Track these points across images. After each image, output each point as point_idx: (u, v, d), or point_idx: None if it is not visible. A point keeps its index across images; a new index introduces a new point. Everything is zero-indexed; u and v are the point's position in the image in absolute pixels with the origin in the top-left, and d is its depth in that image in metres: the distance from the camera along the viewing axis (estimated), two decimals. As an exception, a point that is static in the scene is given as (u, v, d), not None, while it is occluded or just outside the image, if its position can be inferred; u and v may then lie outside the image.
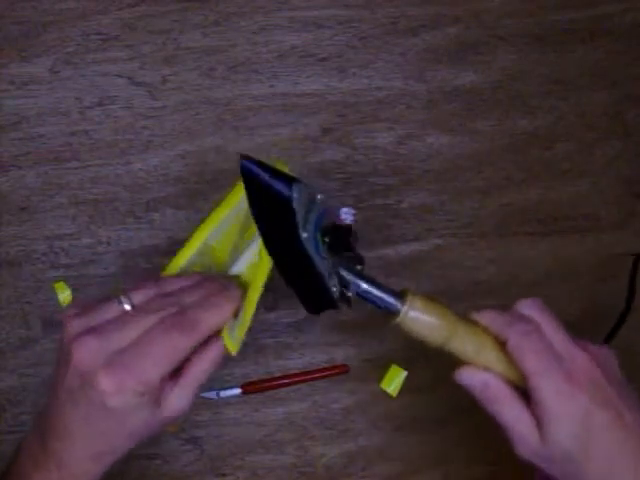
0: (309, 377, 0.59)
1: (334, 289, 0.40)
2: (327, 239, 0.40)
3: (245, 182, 0.38)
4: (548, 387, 0.39)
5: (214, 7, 0.62)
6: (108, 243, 0.59)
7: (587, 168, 0.64)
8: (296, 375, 0.59)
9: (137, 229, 0.59)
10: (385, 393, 0.59)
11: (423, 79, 0.63)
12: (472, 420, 0.60)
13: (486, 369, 0.40)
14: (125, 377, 0.38)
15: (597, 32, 0.66)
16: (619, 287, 0.62)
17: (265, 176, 0.37)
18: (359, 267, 0.41)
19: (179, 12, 0.62)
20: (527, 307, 0.42)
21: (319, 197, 0.39)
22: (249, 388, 0.58)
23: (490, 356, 0.40)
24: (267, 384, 0.58)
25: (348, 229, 0.40)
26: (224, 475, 0.58)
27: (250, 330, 0.44)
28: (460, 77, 0.64)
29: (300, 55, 0.63)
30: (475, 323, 0.42)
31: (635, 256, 0.60)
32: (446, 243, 0.61)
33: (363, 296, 0.41)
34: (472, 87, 0.64)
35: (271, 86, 0.62)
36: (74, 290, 0.58)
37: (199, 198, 0.60)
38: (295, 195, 0.36)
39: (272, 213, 0.37)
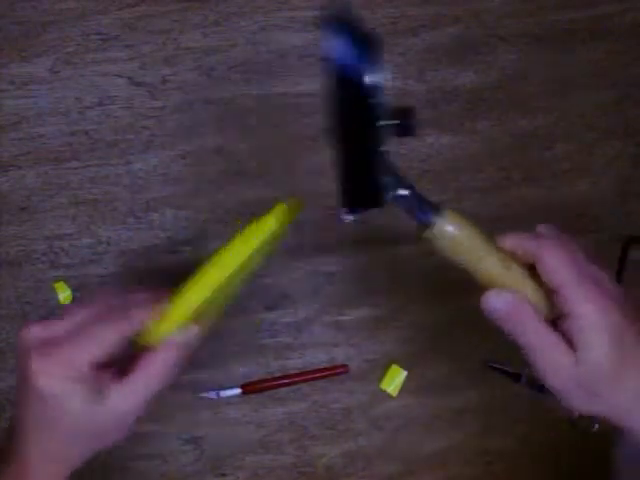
0: (309, 377, 0.59)
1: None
2: (393, 122, 0.37)
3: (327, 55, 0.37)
4: (582, 297, 0.37)
5: (214, 7, 0.62)
6: (108, 243, 0.59)
7: (587, 168, 0.64)
8: (296, 375, 0.59)
9: (137, 229, 0.59)
10: (385, 393, 0.59)
11: (423, 79, 0.63)
12: (472, 420, 0.60)
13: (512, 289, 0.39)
14: (52, 360, 0.39)
15: (597, 32, 0.66)
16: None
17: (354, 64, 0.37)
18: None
19: (179, 12, 0.62)
20: (549, 229, 0.41)
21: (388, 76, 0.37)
22: (249, 388, 0.58)
23: (517, 280, 0.39)
24: (267, 384, 0.58)
25: (411, 109, 0.37)
26: (224, 475, 0.58)
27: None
28: (460, 77, 0.64)
29: (300, 55, 0.63)
30: (501, 249, 0.40)
31: (626, 240, 0.61)
32: (446, 243, 0.61)
33: (402, 199, 0.39)
34: (472, 87, 0.64)
35: (271, 86, 0.62)
36: (74, 290, 0.58)
37: (199, 198, 0.60)
38: (379, 90, 0.35)
39: (347, 93, 0.37)
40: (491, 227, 0.61)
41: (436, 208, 0.39)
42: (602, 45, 0.65)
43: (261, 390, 0.58)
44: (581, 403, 0.39)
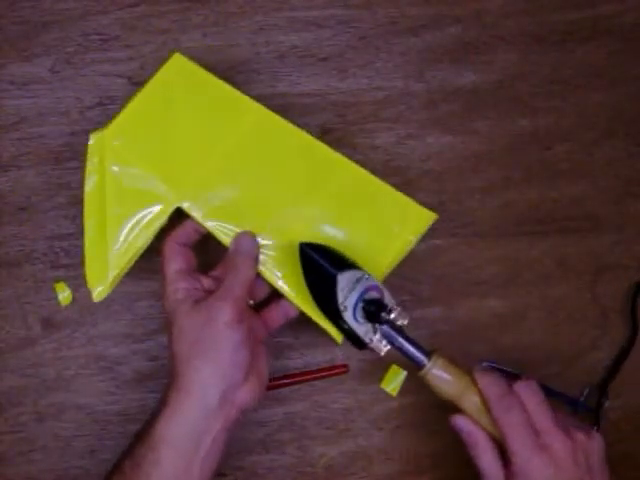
0: (309, 377, 0.59)
1: (369, 340, 0.49)
2: (366, 308, 0.49)
3: (302, 259, 0.50)
4: (519, 454, 0.45)
5: (214, 7, 0.62)
6: (108, 243, 0.59)
7: (587, 168, 0.64)
8: (296, 375, 0.59)
9: (137, 229, 0.59)
10: (385, 393, 0.59)
11: (423, 79, 0.63)
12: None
13: (475, 421, 0.48)
14: (236, 308, 0.47)
15: (597, 32, 0.66)
16: (619, 287, 0.62)
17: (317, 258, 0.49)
18: (399, 323, 0.50)
19: (179, 12, 0.62)
20: (520, 387, 0.47)
21: (366, 277, 0.49)
22: (249, 388, 0.58)
23: (483, 415, 0.48)
24: (267, 384, 0.58)
25: (380, 304, 0.49)
26: (224, 475, 0.58)
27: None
28: (460, 77, 0.64)
29: (300, 55, 0.63)
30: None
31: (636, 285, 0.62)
32: (446, 243, 0.62)
33: (397, 348, 0.49)
34: (472, 87, 0.64)
35: (271, 86, 0.62)
36: (74, 290, 0.58)
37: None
38: (339, 276, 0.48)
39: (320, 283, 0.49)
40: (491, 227, 0.62)
41: (427, 353, 0.48)
42: (602, 45, 0.65)
43: (261, 390, 0.58)
44: None
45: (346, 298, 0.48)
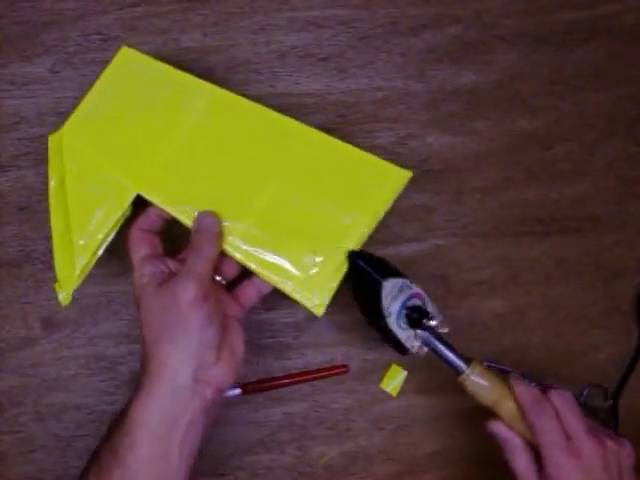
0: (309, 377, 0.59)
1: (410, 346, 0.51)
2: (409, 314, 0.51)
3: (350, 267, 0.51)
4: (552, 459, 0.47)
5: (214, 7, 0.62)
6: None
7: (587, 168, 0.64)
8: (296, 375, 0.59)
9: (137, 229, 0.59)
10: (385, 393, 0.59)
11: (423, 79, 0.63)
12: (472, 420, 0.60)
13: (511, 427, 0.49)
14: (200, 286, 0.47)
15: (597, 32, 0.66)
16: (620, 287, 0.62)
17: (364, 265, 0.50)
18: (441, 331, 0.51)
19: (179, 12, 0.62)
20: (554, 395, 0.49)
21: (409, 285, 0.51)
22: (249, 388, 0.58)
23: (518, 421, 0.50)
24: (267, 384, 0.58)
25: (423, 311, 0.51)
26: (223, 475, 0.58)
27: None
28: (460, 77, 0.64)
29: (300, 55, 0.63)
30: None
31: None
32: (446, 243, 0.62)
33: (438, 354, 0.51)
34: (472, 87, 0.64)
35: (271, 86, 0.62)
36: (74, 290, 0.58)
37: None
38: (384, 283, 0.50)
39: (366, 290, 0.51)
40: (491, 227, 0.62)
41: (466, 360, 0.50)
42: (602, 45, 0.65)
43: (261, 390, 0.58)
44: None
45: (390, 305, 0.50)
